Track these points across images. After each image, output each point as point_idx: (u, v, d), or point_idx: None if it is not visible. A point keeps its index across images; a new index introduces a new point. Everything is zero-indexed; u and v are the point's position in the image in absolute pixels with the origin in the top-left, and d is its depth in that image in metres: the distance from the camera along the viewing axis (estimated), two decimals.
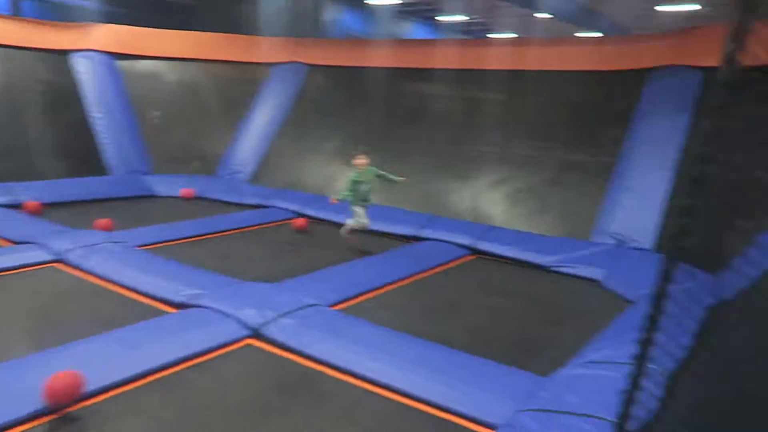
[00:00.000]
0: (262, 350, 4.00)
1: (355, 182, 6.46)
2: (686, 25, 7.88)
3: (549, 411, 2.90)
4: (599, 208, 6.97)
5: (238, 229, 7.38)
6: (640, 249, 6.32)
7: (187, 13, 16.11)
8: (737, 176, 6.17)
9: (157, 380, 3.51)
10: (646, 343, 0.63)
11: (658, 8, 17.92)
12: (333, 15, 20.71)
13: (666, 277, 0.65)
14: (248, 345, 4.07)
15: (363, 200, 6.52)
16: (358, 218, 6.53)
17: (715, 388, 3.17)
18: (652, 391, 3.01)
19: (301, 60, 10.63)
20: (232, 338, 4.06)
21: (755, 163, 5.83)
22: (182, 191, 9.17)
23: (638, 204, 6.58)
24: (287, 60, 10.75)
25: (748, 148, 6.07)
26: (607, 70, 7.74)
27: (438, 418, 3.23)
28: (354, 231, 6.63)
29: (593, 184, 7.30)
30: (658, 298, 0.65)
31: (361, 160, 6.47)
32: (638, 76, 7.51)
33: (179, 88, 10.78)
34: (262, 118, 10.36)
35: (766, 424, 2.29)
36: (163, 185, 9.37)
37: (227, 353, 3.93)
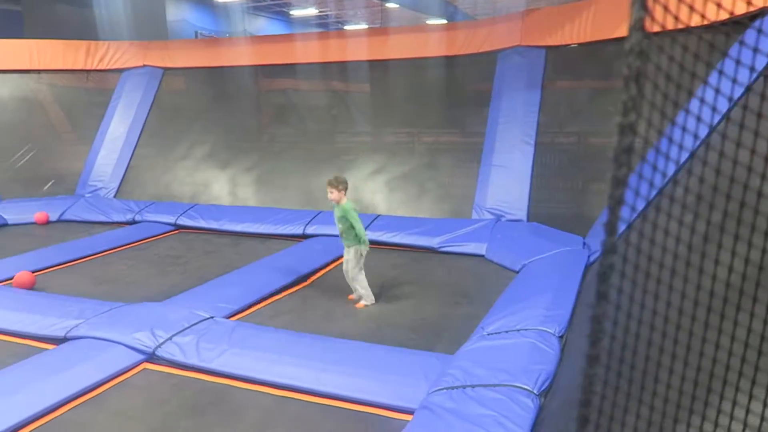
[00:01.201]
0: (161, 373, 3.77)
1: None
2: (527, 8, 8.49)
3: (461, 387, 3.03)
4: (474, 186, 7.33)
5: (111, 249, 6.84)
6: (517, 221, 6.76)
7: (13, 20, 14.49)
8: (594, 143, 6.81)
9: (48, 424, 3.18)
10: (598, 319, 0.65)
11: None
12: (179, 14, 19.71)
13: (609, 250, 0.67)
14: (144, 370, 3.82)
15: (341, 237, 4.94)
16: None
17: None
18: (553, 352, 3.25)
19: (154, 64, 10.03)
20: (125, 366, 3.78)
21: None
22: (36, 216, 8.32)
23: (509, 179, 7.03)
24: (138, 65, 10.09)
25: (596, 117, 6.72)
26: (462, 54, 8.12)
27: (358, 412, 3.25)
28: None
29: (466, 164, 7.67)
30: (605, 270, 0.67)
31: (333, 195, 4.75)
32: (490, 58, 7.96)
33: (17, 103, 9.72)
34: (118, 128, 9.65)
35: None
36: (14, 212, 8.44)
37: (123, 382, 3.66)
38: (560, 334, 3.56)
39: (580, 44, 6.91)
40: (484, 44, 7.99)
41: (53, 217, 8.44)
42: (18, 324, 4.38)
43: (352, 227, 4.74)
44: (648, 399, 1.15)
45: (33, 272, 5.69)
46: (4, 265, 6.01)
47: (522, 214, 6.81)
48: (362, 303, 4.92)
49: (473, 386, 3.00)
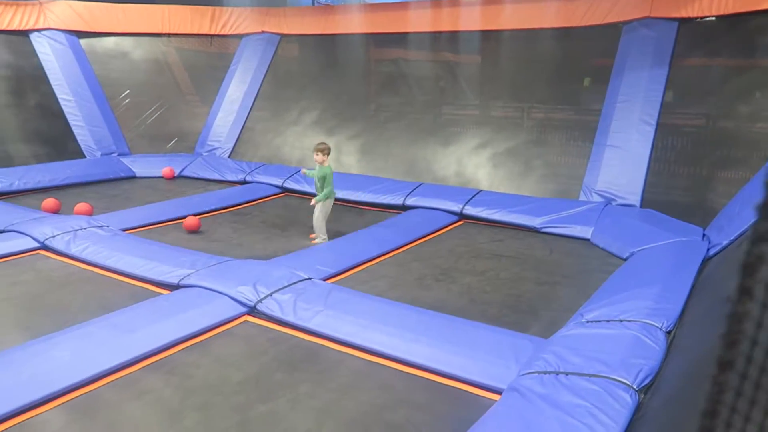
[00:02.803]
0: (260, 326, 3.95)
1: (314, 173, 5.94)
2: None
3: (553, 373, 2.91)
4: (584, 166, 6.98)
5: (223, 207, 7.25)
6: (628, 206, 6.36)
7: None
8: (725, 126, 6.22)
9: (156, 362, 3.45)
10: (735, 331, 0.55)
11: None
12: None
13: (761, 236, 0.54)
14: (246, 322, 4.03)
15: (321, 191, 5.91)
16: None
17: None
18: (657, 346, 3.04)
19: (272, 30, 10.34)
20: (228, 316, 4.01)
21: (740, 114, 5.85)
22: (164, 171, 8.99)
23: (623, 161, 6.61)
24: (257, 31, 10.45)
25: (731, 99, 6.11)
26: (583, 26, 7.65)
27: (442, 385, 3.24)
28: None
29: (577, 143, 7.31)
30: (753, 261, 0.55)
31: (318, 157, 5.79)
32: (613, 31, 7.45)
33: (147, 65, 10.45)
34: (235, 92, 10.12)
35: None
36: (141, 166, 9.18)
37: (225, 331, 3.88)
38: (668, 329, 3.32)
39: (718, 17, 6.28)
40: (609, 15, 7.47)
41: (175, 172, 9.06)
42: (138, 269, 4.77)
43: (322, 188, 5.87)
44: None
45: (153, 224, 6.20)
46: (131, 215, 6.55)
47: (635, 199, 6.39)
48: (317, 240, 5.97)
49: (567, 374, 2.87)
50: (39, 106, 9.24)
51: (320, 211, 5.92)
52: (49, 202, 6.68)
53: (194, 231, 6.20)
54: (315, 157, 5.85)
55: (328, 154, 5.89)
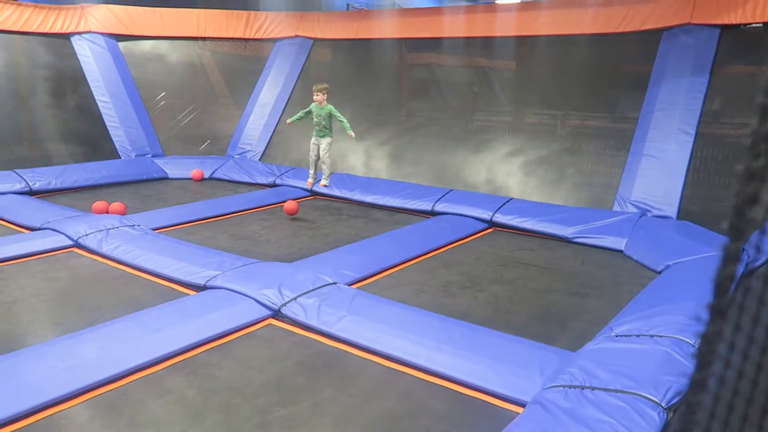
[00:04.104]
0: (284, 330, 3.99)
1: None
2: None
3: (579, 387, 2.87)
4: (619, 176, 6.87)
5: (252, 209, 7.36)
6: (664, 217, 6.23)
7: None
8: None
9: (181, 362, 3.52)
10: (711, 337, 0.55)
11: None
12: None
13: (732, 257, 0.56)
14: (269, 325, 4.07)
15: (317, 131, 6.85)
16: (311, 150, 6.96)
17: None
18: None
19: (305, 34, 10.46)
20: (252, 319, 4.06)
21: None
22: (194, 172, 9.16)
23: (660, 171, 6.47)
24: (290, 35, 10.59)
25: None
26: (621, 32, 7.53)
27: (465, 395, 3.22)
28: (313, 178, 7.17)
29: (612, 152, 7.20)
30: (723, 281, 0.57)
31: (318, 96, 6.65)
32: (652, 37, 7.31)
33: (182, 68, 10.68)
34: (268, 95, 10.26)
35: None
36: (174, 167, 9.37)
37: (249, 334, 3.93)
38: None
39: (765, 23, 6.11)
40: (648, 21, 7.33)
41: (206, 174, 9.23)
42: (167, 269, 4.87)
43: (329, 125, 6.77)
44: None
45: (183, 223, 6.35)
46: (161, 215, 6.70)
47: (671, 211, 6.25)
48: (326, 181, 7.08)
49: (592, 388, 2.82)
50: (77, 107, 9.53)
51: (328, 148, 6.82)
52: (99, 204, 6.79)
53: (293, 214, 6.90)
54: (316, 97, 6.65)
55: (328, 94, 6.73)
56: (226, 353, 3.66)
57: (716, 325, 0.45)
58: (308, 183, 7.30)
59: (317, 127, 6.84)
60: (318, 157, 6.96)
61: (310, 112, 6.82)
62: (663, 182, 6.43)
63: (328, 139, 6.84)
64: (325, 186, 7.25)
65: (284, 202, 7.75)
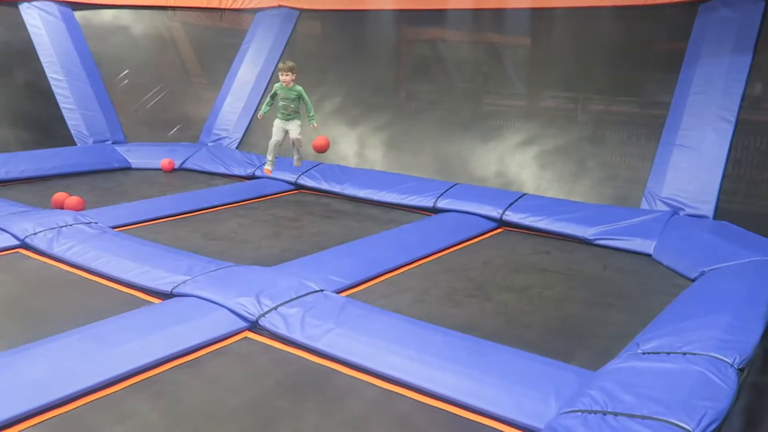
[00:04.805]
0: (262, 344, 3.97)
1: (274, 96, 7.02)
2: None
3: (600, 412, 2.86)
4: (648, 169, 6.86)
5: (228, 204, 7.35)
6: (699, 216, 6.24)
7: None
8: None
9: (143, 382, 3.48)
10: None
11: None
12: None
13: None
14: (246, 339, 4.05)
15: (284, 115, 7.03)
16: (274, 134, 7.10)
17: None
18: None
19: (290, 4, 10.41)
20: (226, 332, 4.02)
21: None
22: (162, 162, 9.13)
23: (695, 163, 6.47)
24: (273, 5, 10.53)
25: None
26: (652, 4, 7.51)
27: (470, 421, 3.20)
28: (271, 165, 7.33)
29: (640, 141, 7.20)
30: None
31: (286, 77, 6.79)
32: (687, 10, 7.30)
33: (149, 41, 10.63)
34: (247, 74, 10.22)
35: None
36: (138, 156, 9.36)
37: (222, 349, 3.90)
38: (740, 366, 3.22)
39: None
40: None
41: (176, 164, 9.21)
42: (128, 273, 4.83)
43: (298, 108, 7.00)
44: None
45: (147, 221, 6.29)
46: (123, 211, 6.68)
47: (708, 209, 6.25)
48: (299, 162, 7.50)
49: (615, 414, 2.81)
50: (26, 86, 9.48)
51: (299, 130, 7.09)
52: (60, 196, 6.73)
53: (323, 151, 7.26)
54: (284, 77, 6.79)
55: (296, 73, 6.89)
56: (196, 371, 3.63)
57: None
58: (266, 171, 7.45)
59: (284, 111, 7.02)
60: (281, 144, 7.24)
61: (275, 95, 6.99)
62: (698, 177, 6.42)
63: (297, 122, 7.08)
64: (298, 166, 7.65)
65: (264, 196, 7.76)
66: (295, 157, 7.43)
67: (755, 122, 6.57)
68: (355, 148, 9.11)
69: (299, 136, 7.12)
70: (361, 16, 9.81)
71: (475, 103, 8.81)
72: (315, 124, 7.04)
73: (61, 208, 6.56)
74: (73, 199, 6.69)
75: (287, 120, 7.05)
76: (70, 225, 5.77)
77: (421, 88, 9.44)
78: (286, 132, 7.11)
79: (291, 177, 8.28)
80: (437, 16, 9.17)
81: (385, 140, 8.97)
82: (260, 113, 7.17)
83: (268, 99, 7.10)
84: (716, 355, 3.28)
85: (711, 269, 5.00)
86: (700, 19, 7.14)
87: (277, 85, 6.98)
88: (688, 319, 3.86)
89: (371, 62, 9.74)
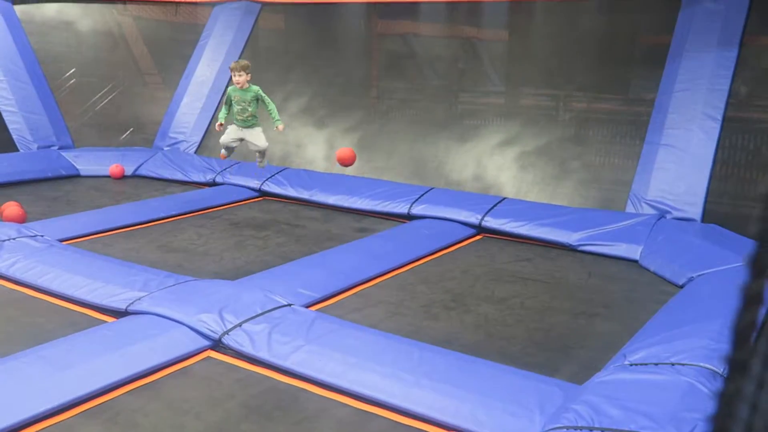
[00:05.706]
0: (226, 364, 3.96)
1: (229, 100, 6.79)
2: None
3: (586, 428, 2.91)
4: (633, 170, 6.99)
5: (186, 213, 7.30)
6: (686, 219, 6.36)
7: None
8: None
9: (96, 407, 3.46)
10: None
11: None
12: None
13: (752, 296, 0.57)
14: (208, 358, 4.04)
15: (241, 120, 6.82)
16: (226, 136, 6.93)
17: None
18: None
19: None
20: (187, 351, 4.02)
21: None
22: (112, 169, 9.04)
23: (681, 164, 6.60)
24: None
25: None
26: None
27: None
28: (228, 152, 7.24)
29: (625, 141, 7.32)
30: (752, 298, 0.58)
31: (240, 77, 6.57)
32: (671, 2, 7.46)
33: (98, 38, 10.55)
34: (206, 72, 10.18)
35: None
36: (87, 162, 9.25)
37: (182, 370, 3.89)
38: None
39: None
40: None
41: (128, 171, 9.11)
42: (78, 290, 4.79)
43: (256, 111, 6.80)
44: None
45: (98, 233, 6.24)
46: (71, 223, 6.60)
47: (695, 212, 6.38)
48: (263, 164, 7.34)
49: (602, 429, 2.87)
50: None
51: (264, 137, 6.95)
52: (12, 210, 6.58)
53: (350, 164, 6.85)
54: (237, 77, 6.56)
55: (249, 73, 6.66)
56: (154, 395, 3.61)
57: (736, 382, 0.46)
58: (221, 156, 7.35)
59: (240, 116, 6.78)
60: (233, 151, 7.22)
61: (230, 99, 6.76)
62: (685, 177, 6.55)
63: (259, 129, 6.90)
64: (261, 168, 7.49)
65: (226, 204, 7.73)
66: (259, 159, 7.27)
67: (743, 119, 6.73)
68: (324, 151, 9.12)
69: (265, 145, 6.97)
70: (329, 9, 9.85)
71: (451, 102, 8.89)
72: (280, 127, 6.77)
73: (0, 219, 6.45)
74: (13, 210, 6.57)
75: (246, 127, 6.84)
76: (14, 239, 5.69)
77: (394, 86, 9.49)
78: (241, 140, 6.93)
79: (255, 183, 8.26)
80: (410, 8, 9.25)
81: (356, 142, 8.98)
82: (218, 122, 6.85)
83: (224, 105, 6.87)
84: (706, 365, 3.36)
85: (700, 275, 5.11)
86: (684, 11, 7.30)
87: (230, 87, 6.79)
88: (676, 327, 3.94)
89: (340, 59, 9.78)
